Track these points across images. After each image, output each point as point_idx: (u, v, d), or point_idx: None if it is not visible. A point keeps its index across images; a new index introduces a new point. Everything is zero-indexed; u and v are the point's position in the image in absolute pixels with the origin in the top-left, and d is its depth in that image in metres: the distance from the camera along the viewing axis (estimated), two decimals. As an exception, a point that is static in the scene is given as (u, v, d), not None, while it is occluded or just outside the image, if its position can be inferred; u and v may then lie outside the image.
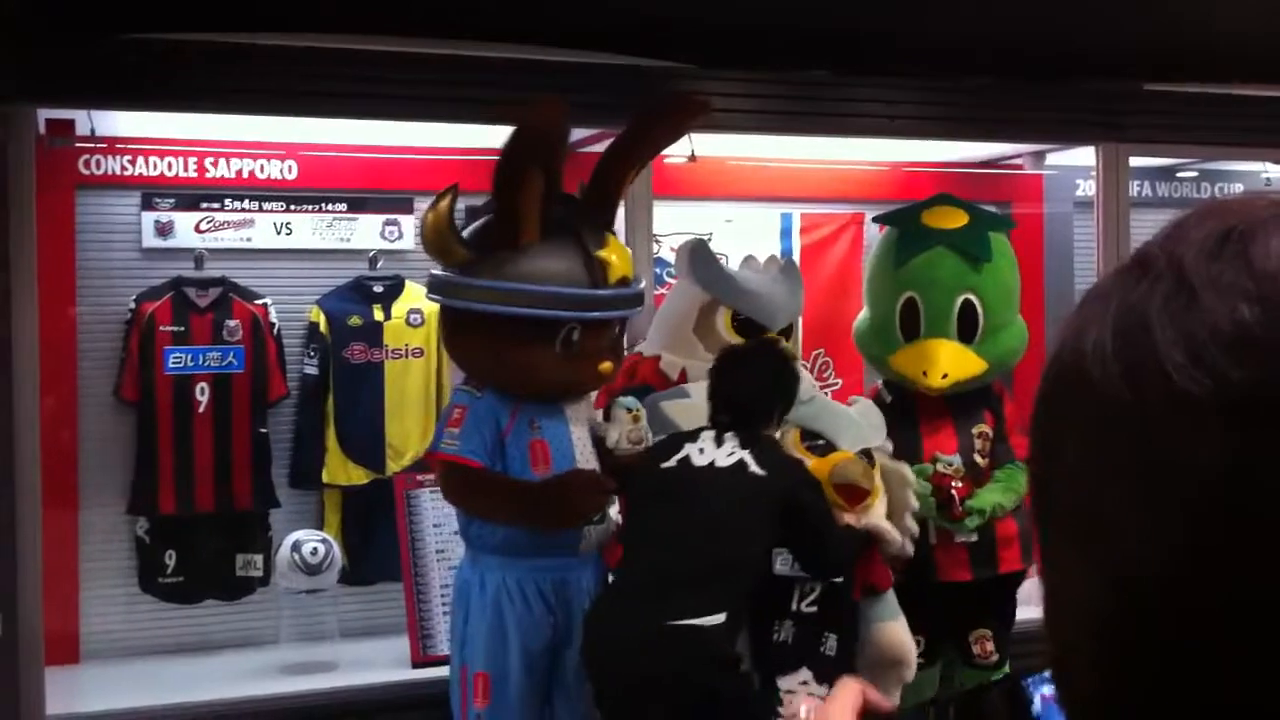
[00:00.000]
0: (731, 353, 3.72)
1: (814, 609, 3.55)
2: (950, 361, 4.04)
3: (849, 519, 3.56)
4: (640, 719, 3.40)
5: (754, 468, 3.46)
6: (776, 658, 3.54)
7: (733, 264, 4.44)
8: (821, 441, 3.72)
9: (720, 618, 3.27)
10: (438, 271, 3.64)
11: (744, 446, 3.48)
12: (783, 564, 3.55)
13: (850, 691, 1.07)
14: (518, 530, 3.50)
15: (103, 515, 4.81)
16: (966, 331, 4.11)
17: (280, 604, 4.76)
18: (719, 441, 3.51)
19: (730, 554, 3.40)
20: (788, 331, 4.12)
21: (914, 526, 3.79)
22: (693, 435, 3.57)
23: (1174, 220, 0.65)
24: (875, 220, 4.43)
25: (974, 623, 4.13)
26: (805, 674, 3.49)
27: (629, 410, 3.65)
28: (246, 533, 4.93)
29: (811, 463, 3.61)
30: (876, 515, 3.64)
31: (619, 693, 3.40)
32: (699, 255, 4.11)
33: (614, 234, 3.70)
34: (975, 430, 4.18)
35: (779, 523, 3.42)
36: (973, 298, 4.12)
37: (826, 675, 3.50)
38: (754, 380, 3.61)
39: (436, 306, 3.93)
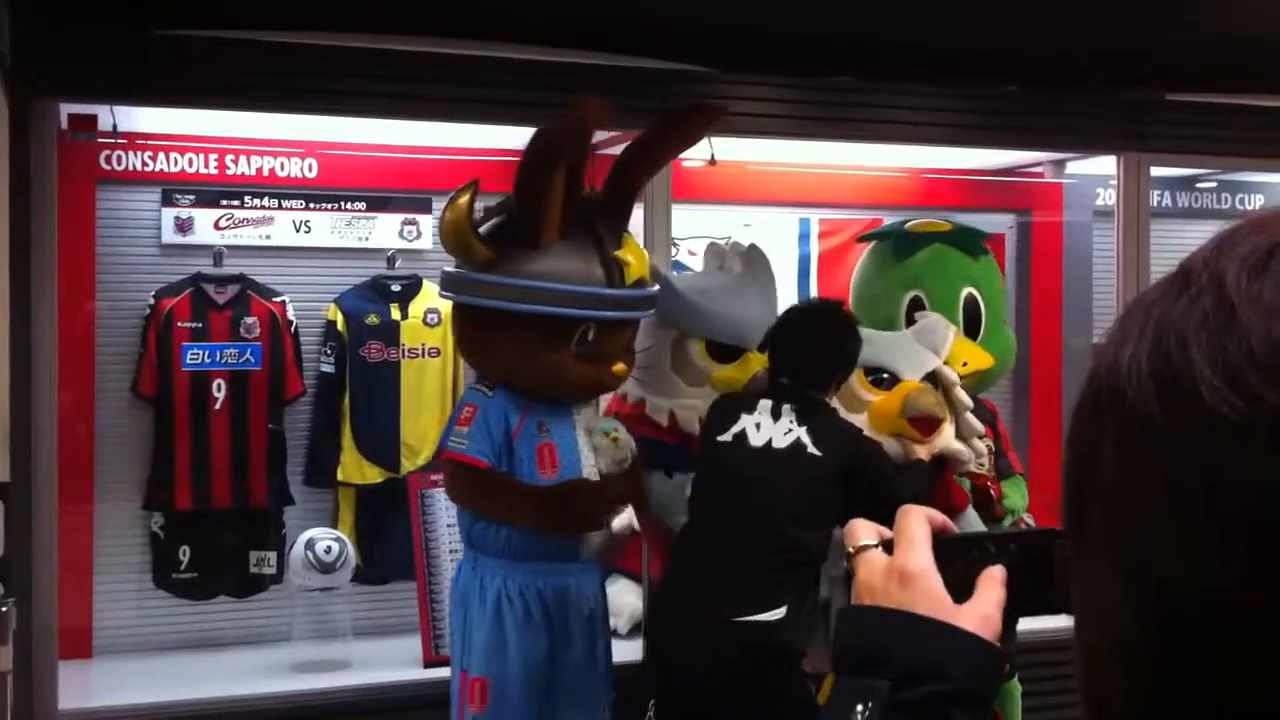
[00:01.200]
0: (795, 312, 3.73)
1: None
2: (966, 351, 4.01)
3: (921, 450, 3.56)
4: (702, 712, 3.46)
5: (811, 448, 3.47)
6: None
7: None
8: (886, 375, 3.69)
9: (780, 612, 3.33)
10: (450, 269, 3.63)
11: (801, 421, 3.49)
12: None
13: (919, 510, 1.07)
14: (520, 534, 3.50)
15: (118, 510, 4.82)
16: (970, 328, 4.09)
17: (294, 602, 4.76)
18: (775, 414, 3.52)
19: (791, 546, 3.44)
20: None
21: (980, 446, 3.79)
22: (750, 404, 3.57)
23: (1222, 231, 0.64)
24: (861, 239, 4.36)
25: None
26: None
27: (607, 434, 3.60)
28: (260, 530, 4.93)
29: (879, 399, 3.59)
30: (947, 438, 3.63)
31: (682, 684, 3.47)
32: (660, 287, 3.89)
33: (631, 235, 3.68)
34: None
35: (841, 501, 3.45)
36: (974, 292, 4.10)
37: None
38: (818, 342, 3.61)
39: (453, 306, 3.91)
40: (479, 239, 3.48)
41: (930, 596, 1.00)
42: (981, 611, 1.00)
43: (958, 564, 1.03)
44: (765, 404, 3.53)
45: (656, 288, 3.78)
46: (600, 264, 3.52)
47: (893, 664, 0.97)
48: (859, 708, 0.96)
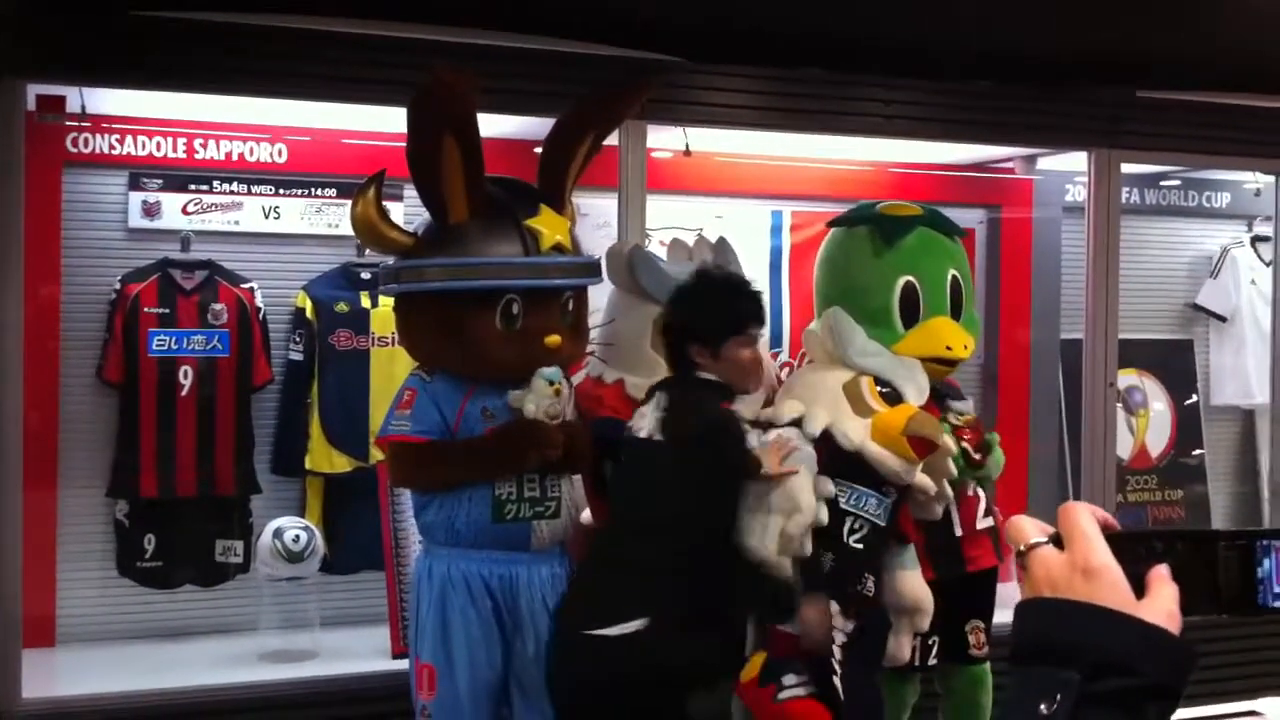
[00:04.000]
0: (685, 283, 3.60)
1: (860, 546, 3.53)
2: (963, 334, 4.00)
3: (898, 468, 3.51)
4: None
5: (658, 435, 3.38)
6: (810, 582, 3.50)
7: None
8: (890, 390, 3.69)
9: (634, 626, 3.18)
10: (384, 265, 3.64)
11: (663, 406, 3.41)
12: (844, 500, 3.51)
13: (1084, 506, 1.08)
14: (466, 523, 3.45)
15: (82, 497, 4.76)
16: (954, 310, 4.07)
17: (260, 591, 4.72)
18: (653, 399, 3.47)
19: (643, 553, 3.30)
20: None
21: (949, 492, 3.78)
22: (652, 393, 3.53)
23: None
24: (831, 224, 4.28)
25: (966, 615, 4.13)
26: (834, 606, 3.47)
27: (551, 383, 3.47)
28: (227, 519, 4.88)
29: (884, 410, 3.58)
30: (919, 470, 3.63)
31: (557, 704, 3.40)
32: (642, 263, 3.89)
33: (548, 208, 3.60)
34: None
35: (714, 494, 3.34)
36: (957, 273, 4.08)
37: (854, 612, 3.50)
38: (697, 301, 3.50)
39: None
40: (390, 225, 3.48)
41: (1116, 591, 1.00)
42: (1165, 608, 1.01)
43: (1127, 560, 1.03)
44: (661, 392, 3.48)
45: (591, 256, 3.73)
46: (515, 235, 3.48)
47: (1084, 657, 0.97)
48: (1045, 702, 0.95)
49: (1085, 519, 1.05)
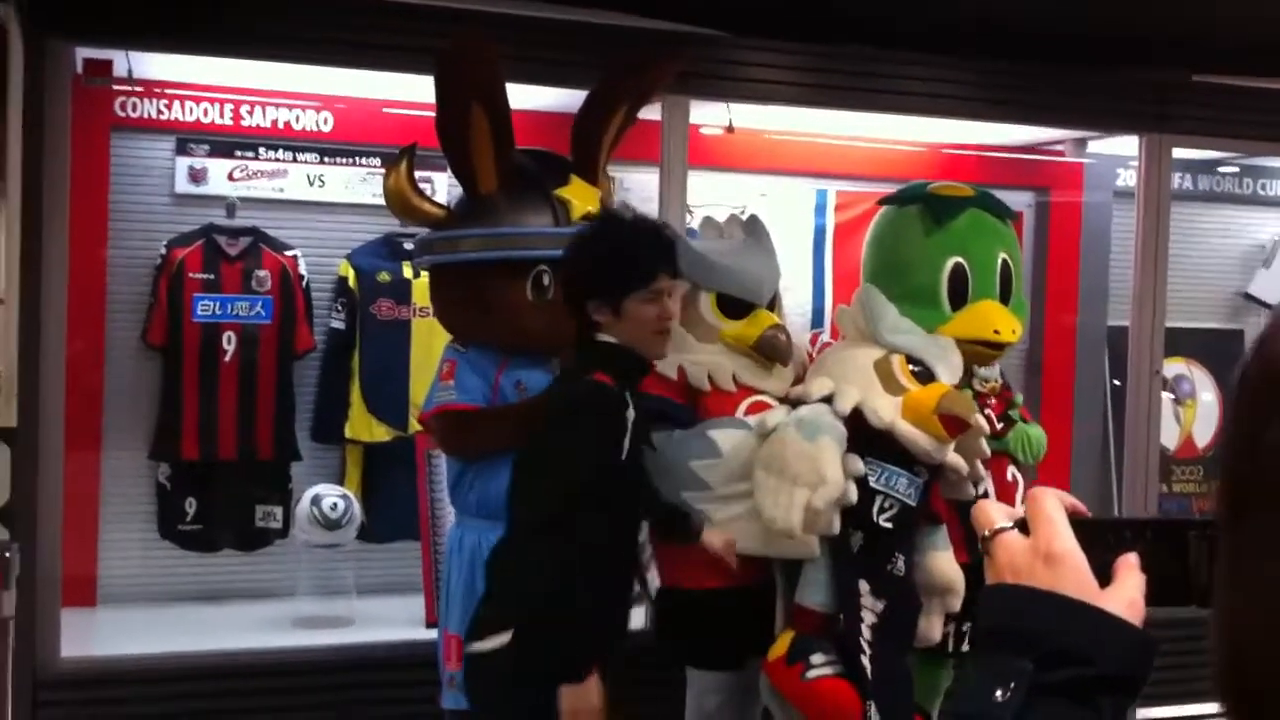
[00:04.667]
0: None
1: (889, 526, 3.50)
2: (1011, 319, 3.94)
3: (929, 447, 3.46)
4: None
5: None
6: (841, 564, 3.48)
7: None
8: (922, 368, 3.64)
9: (498, 640, 2.85)
10: (419, 237, 3.64)
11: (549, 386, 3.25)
12: (874, 479, 3.48)
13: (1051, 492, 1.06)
14: (498, 495, 3.42)
15: (125, 459, 4.82)
16: (1003, 294, 4.01)
17: (299, 557, 4.76)
18: None
19: (510, 555, 2.98)
20: (772, 302, 3.88)
21: (982, 471, 3.74)
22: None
23: None
24: (881, 202, 4.22)
25: None
26: (864, 586, 3.45)
27: None
28: (267, 484, 4.93)
29: (916, 390, 3.54)
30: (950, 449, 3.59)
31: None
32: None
33: (578, 178, 3.58)
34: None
35: (560, 485, 2.95)
36: (1007, 257, 4.02)
37: (884, 592, 3.46)
38: (595, 249, 3.11)
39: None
40: (422, 197, 3.50)
41: (1078, 579, 0.99)
42: (1128, 597, 0.99)
43: (1094, 548, 1.01)
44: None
45: None
46: (546, 205, 3.48)
47: (1040, 645, 0.96)
48: (1000, 689, 0.94)
49: (1051, 505, 1.04)
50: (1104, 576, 1.00)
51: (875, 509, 3.48)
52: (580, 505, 2.90)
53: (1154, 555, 1.02)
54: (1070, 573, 0.98)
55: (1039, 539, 1.01)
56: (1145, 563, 1.01)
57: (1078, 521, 1.03)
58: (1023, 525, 1.04)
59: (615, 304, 3.03)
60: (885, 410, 3.47)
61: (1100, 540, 1.02)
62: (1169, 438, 6.02)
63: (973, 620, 4.02)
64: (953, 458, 3.57)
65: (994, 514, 1.07)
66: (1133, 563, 1.01)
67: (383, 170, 4.93)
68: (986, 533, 1.06)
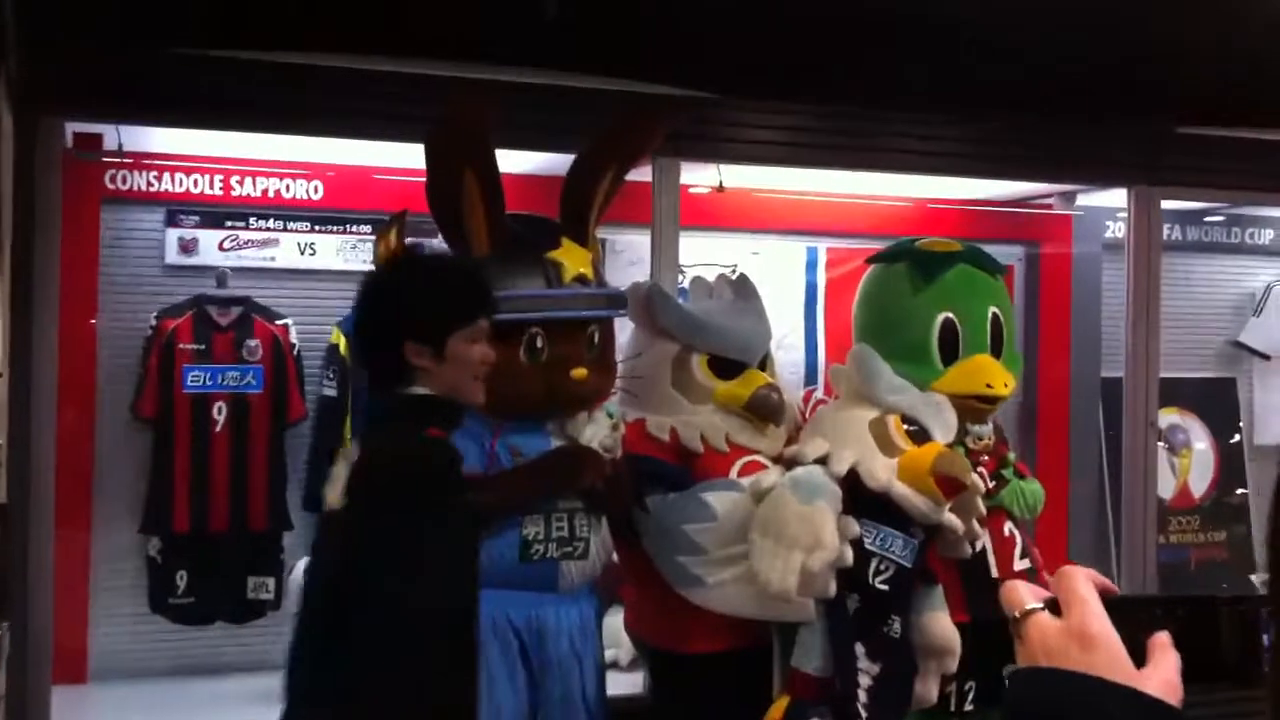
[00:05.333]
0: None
1: (885, 588, 3.46)
2: (1003, 372, 3.94)
3: (925, 508, 3.43)
4: None
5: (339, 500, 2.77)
6: (837, 627, 3.44)
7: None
8: (917, 428, 3.62)
9: None
10: None
11: (352, 456, 2.83)
12: (869, 541, 3.44)
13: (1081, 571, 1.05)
14: (492, 562, 3.39)
15: (116, 533, 4.77)
16: (994, 348, 4.01)
17: (291, 628, 4.69)
18: None
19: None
20: (764, 361, 3.86)
21: (978, 530, 3.71)
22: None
23: None
24: (870, 260, 4.23)
25: (1003, 658, 4.04)
26: (859, 649, 3.41)
27: (610, 416, 3.49)
28: (259, 555, 4.88)
29: (911, 449, 3.51)
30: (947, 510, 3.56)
31: None
32: (660, 301, 3.79)
33: (569, 240, 3.55)
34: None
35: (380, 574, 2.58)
36: (998, 311, 4.03)
37: (880, 655, 3.41)
38: (410, 286, 2.86)
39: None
40: None
41: (1114, 660, 0.97)
42: (1165, 677, 0.98)
43: (1126, 627, 1.00)
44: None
45: (616, 288, 3.69)
46: (538, 269, 3.45)
47: None
48: None
49: (1083, 584, 1.02)
50: (1136, 656, 0.98)
51: (871, 571, 3.45)
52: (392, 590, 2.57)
53: (1187, 633, 1.01)
54: (1106, 654, 0.97)
55: (1072, 620, 1.00)
56: (1177, 641, 1.00)
57: (1109, 601, 1.01)
58: (1053, 605, 1.03)
59: (438, 344, 2.79)
60: (880, 472, 3.45)
61: (1133, 619, 1.01)
62: (1165, 488, 6.00)
63: (977, 680, 3.98)
64: (949, 518, 3.54)
65: (1024, 595, 1.05)
66: (1166, 642, 1.00)
67: (373, 237, 4.98)
68: (1017, 614, 1.04)
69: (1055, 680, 0.98)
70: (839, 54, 4.48)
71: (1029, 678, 1.01)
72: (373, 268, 2.96)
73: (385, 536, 2.59)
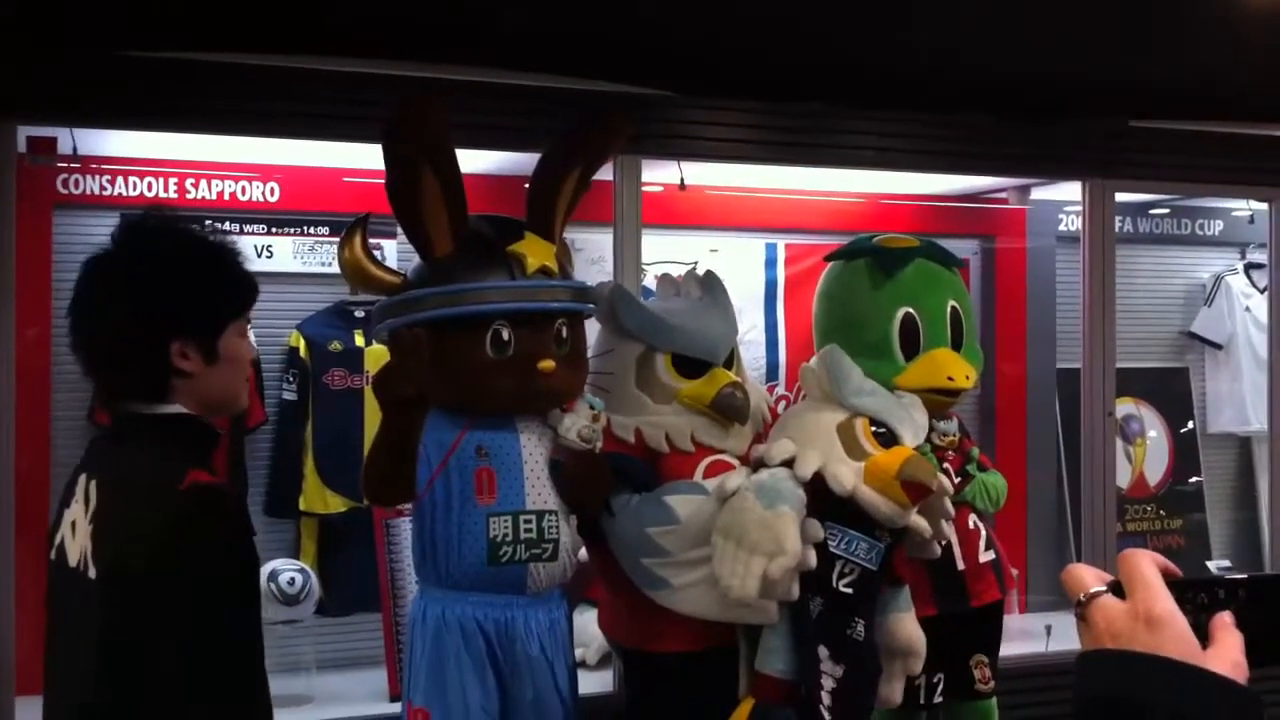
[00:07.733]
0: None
1: (849, 591, 3.47)
2: (964, 365, 3.97)
3: (891, 513, 3.43)
4: None
5: (89, 564, 2.10)
6: (801, 630, 3.44)
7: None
8: (885, 430, 3.62)
9: None
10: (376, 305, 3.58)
11: (94, 501, 2.15)
12: (834, 544, 3.44)
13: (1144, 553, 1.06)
14: (460, 564, 3.38)
15: (74, 542, 4.69)
16: (954, 341, 4.04)
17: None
18: (81, 493, 2.22)
19: None
20: (730, 359, 3.83)
21: (946, 531, 3.73)
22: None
23: None
24: (828, 258, 4.25)
25: (971, 650, 4.09)
26: (823, 651, 3.42)
27: (591, 408, 3.44)
28: (221, 561, 4.82)
29: (879, 454, 3.50)
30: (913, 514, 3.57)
31: None
32: (622, 301, 3.77)
33: (532, 234, 3.52)
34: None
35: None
36: (956, 305, 4.05)
37: (844, 657, 3.41)
38: (180, 278, 2.23)
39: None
40: (378, 266, 3.44)
41: (1181, 641, 0.98)
42: (1231, 657, 0.98)
43: (1189, 608, 1.01)
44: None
45: (582, 282, 3.68)
46: (501, 262, 3.42)
47: (1151, 711, 0.94)
48: None
49: (1147, 566, 1.03)
50: (1201, 637, 0.99)
51: (835, 574, 3.45)
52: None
53: (1247, 613, 1.02)
54: (1173, 636, 0.98)
55: (1137, 602, 1.01)
56: (1239, 621, 1.01)
57: (1171, 582, 1.02)
58: (1116, 588, 1.03)
59: (212, 342, 2.23)
60: (847, 477, 3.44)
61: (1194, 600, 1.02)
62: (1121, 477, 6.07)
63: (945, 673, 4.01)
64: (917, 520, 3.55)
65: (1087, 578, 1.06)
66: (1229, 622, 1.01)
67: (332, 238, 4.95)
68: (1082, 597, 1.05)
69: (1123, 661, 0.98)
70: (794, 51, 4.50)
71: (1097, 660, 1.01)
72: (106, 250, 2.30)
73: (172, 656, 1.98)
